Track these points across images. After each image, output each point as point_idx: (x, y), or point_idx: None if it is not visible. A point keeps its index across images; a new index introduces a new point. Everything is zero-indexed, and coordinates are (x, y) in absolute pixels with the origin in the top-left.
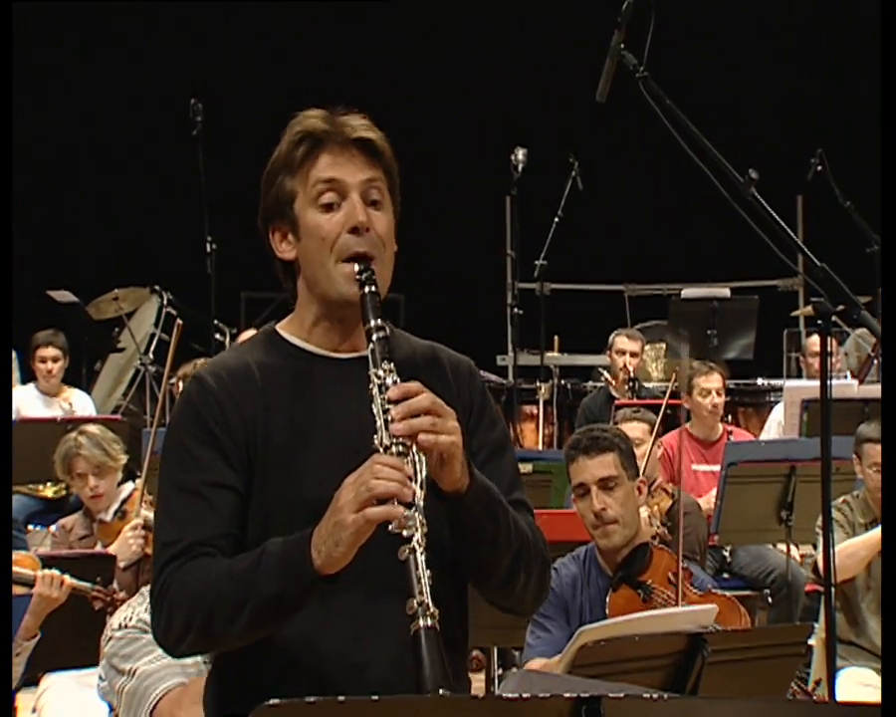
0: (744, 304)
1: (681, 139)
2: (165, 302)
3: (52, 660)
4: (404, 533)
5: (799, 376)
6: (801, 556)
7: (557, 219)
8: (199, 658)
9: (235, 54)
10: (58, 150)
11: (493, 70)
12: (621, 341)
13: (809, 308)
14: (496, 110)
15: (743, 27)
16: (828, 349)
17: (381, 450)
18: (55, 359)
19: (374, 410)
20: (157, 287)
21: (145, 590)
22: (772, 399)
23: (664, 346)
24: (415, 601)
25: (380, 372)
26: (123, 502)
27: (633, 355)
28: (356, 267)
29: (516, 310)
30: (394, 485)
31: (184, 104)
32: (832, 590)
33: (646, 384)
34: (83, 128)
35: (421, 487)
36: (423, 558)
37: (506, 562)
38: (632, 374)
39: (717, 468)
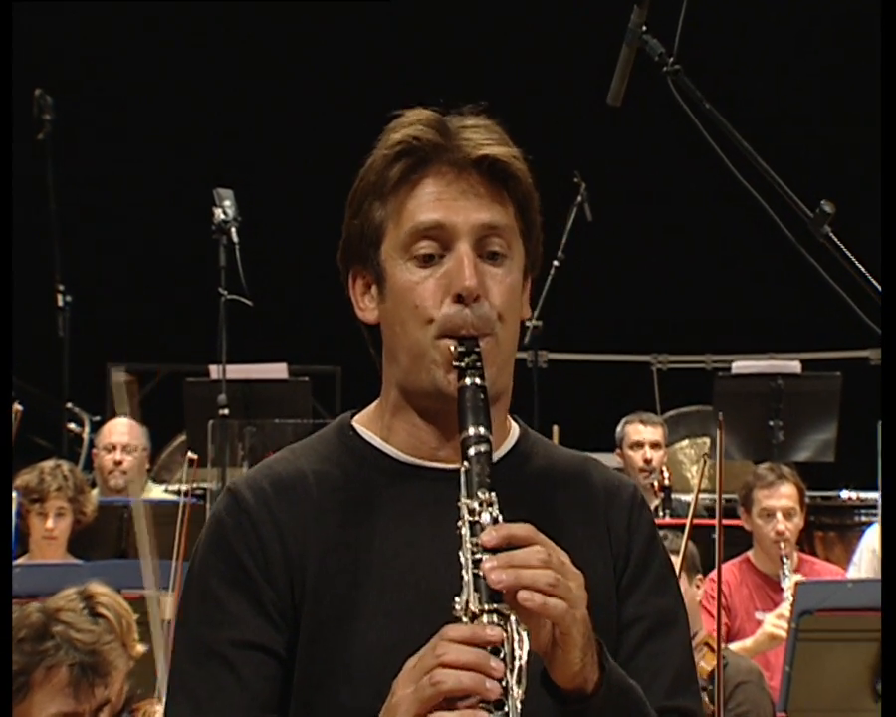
0: (821, 383)
1: (725, 157)
2: None
3: None
4: None
5: None
6: None
7: (556, 263)
8: None
9: (98, 31)
10: None
11: (462, 65)
12: (634, 429)
13: None
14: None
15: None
16: None
17: (465, 619)
18: None
19: (461, 559)
20: None
21: None
22: (862, 519)
23: (707, 441)
24: None
25: (474, 504)
26: None
27: (654, 446)
28: (456, 348)
29: None
30: (470, 677)
31: (26, 96)
32: None
33: (682, 497)
34: None
35: (518, 679)
36: None
37: None
38: (660, 476)
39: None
